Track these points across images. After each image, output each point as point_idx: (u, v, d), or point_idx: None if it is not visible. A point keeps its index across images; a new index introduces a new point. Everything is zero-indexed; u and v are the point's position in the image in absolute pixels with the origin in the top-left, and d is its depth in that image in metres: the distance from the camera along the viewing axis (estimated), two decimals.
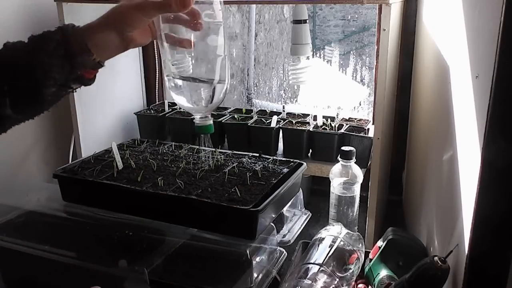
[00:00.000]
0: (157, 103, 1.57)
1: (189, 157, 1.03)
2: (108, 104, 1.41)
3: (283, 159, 1.00)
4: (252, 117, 1.32)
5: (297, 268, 0.84)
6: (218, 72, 0.71)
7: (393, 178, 1.38)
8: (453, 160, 0.70)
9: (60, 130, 1.44)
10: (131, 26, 0.65)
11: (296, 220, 1.00)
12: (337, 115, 1.28)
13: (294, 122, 1.27)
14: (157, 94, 1.60)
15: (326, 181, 1.10)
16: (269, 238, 0.88)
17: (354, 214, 1.06)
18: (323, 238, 0.89)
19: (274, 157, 1.01)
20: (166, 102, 1.49)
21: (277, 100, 1.86)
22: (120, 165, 0.97)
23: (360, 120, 1.29)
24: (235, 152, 1.05)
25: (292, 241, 0.93)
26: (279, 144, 1.28)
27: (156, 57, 1.57)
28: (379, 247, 0.88)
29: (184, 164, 0.97)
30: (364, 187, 1.08)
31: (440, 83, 0.86)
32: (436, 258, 0.65)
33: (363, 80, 1.67)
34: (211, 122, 0.77)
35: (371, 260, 0.89)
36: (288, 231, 0.96)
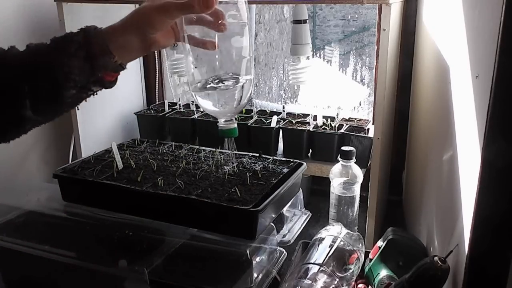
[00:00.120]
0: (157, 103, 1.57)
1: (189, 157, 1.03)
2: (108, 104, 1.41)
3: (283, 159, 1.00)
4: (252, 117, 1.32)
5: (297, 268, 0.84)
6: (244, 72, 0.70)
7: (393, 178, 1.38)
8: (453, 160, 0.70)
9: (60, 130, 1.44)
10: (153, 28, 0.64)
11: (296, 220, 1.00)
12: (337, 115, 1.28)
13: (294, 122, 1.27)
14: (157, 94, 1.60)
15: (326, 181, 1.10)
16: (269, 238, 0.88)
17: (354, 214, 1.06)
18: (323, 238, 0.89)
19: (274, 157, 1.01)
20: (166, 102, 1.49)
21: (277, 100, 1.86)
22: (120, 165, 0.97)
23: (360, 120, 1.29)
24: (235, 152, 1.05)
25: (292, 241, 0.93)
26: (279, 144, 1.28)
27: (156, 57, 1.57)
28: (379, 247, 0.88)
29: (184, 164, 0.97)
30: (364, 187, 1.08)
31: (440, 83, 0.86)
32: (436, 258, 0.65)
33: (363, 80, 1.66)
34: (235, 125, 0.75)
35: (371, 260, 0.89)
36: (288, 231, 0.96)
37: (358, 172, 1.04)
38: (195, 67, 0.69)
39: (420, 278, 0.67)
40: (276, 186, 0.87)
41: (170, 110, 1.44)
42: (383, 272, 0.84)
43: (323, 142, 1.21)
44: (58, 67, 0.61)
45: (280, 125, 1.26)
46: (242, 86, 0.70)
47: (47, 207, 0.98)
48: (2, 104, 0.62)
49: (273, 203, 0.84)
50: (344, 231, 0.91)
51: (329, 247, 0.86)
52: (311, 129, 1.22)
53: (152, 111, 1.45)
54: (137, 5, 1.48)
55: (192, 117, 1.36)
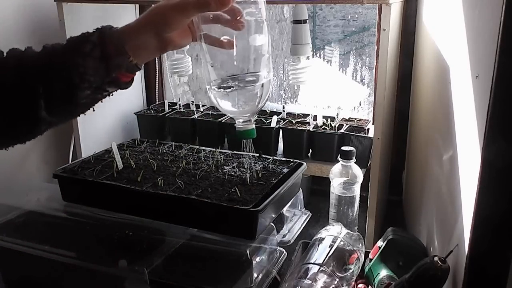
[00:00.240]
0: (157, 103, 1.57)
1: (189, 157, 1.03)
2: (108, 104, 1.39)
3: (283, 159, 1.00)
4: None
5: (297, 268, 0.84)
6: (263, 71, 0.68)
7: (393, 178, 1.38)
8: (453, 160, 0.70)
9: (60, 130, 1.44)
10: (169, 27, 0.63)
11: (296, 220, 1.00)
12: (337, 115, 1.28)
13: (294, 122, 1.27)
14: (157, 94, 1.60)
15: (326, 181, 1.10)
16: (269, 238, 0.88)
17: (354, 214, 1.06)
18: (323, 238, 0.89)
19: (274, 157, 1.01)
20: (166, 102, 1.49)
21: (277, 100, 1.85)
22: (120, 165, 0.97)
23: (360, 120, 1.29)
24: (235, 152, 1.05)
25: (292, 241, 0.93)
26: (279, 144, 1.28)
27: (156, 57, 1.57)
28: (379, 247, 0.88)
29: (184, 164, 0.97)
30: (364, 187, 1.08)
31: (440, 83, 0.86)
32: (436, 258, 0.65)
33: (363, 80, 1.66)
34: (253, 126, 0.72)
35: (371, 260, 0.89)
36: (288, 231, 0.96)
37: (358, 172, 1.04)
38: (212, 67, 0.67)
39: (420, 278, 0.67)
40: (276, 186, 0.87)
41: (170, 110, 1.44)
42: (383, 272, 0.84)
43: (323, 142, 1.21)
44: (73, 67, 0.60)
45: (280, 125, 1.26)
46: (262, 85, 0.68)
47: (47, 207, 0.98)
48: (18, 105, 0.62)
49: (273, 203, 0.84)
50: (344, 231, 0.91)
51: (329, 247, 0.86)
52: (311, 129, 1.22)
53: (152, 111, 1.45)
54: (137, 5, 1.49)
55: (192, 117, 1.36)
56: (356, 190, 1.05)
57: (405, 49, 1.27)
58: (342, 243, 0.88)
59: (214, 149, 1.07)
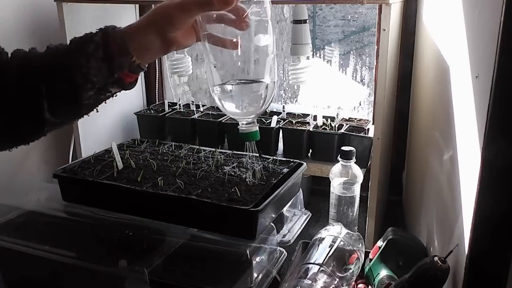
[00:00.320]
0: (157, 103, 1.57)
1: (189, 157, 1.03)
2: (108, 104, 1.40)
3: (283, 159, 1.00)
4: None
5: (297, 268, 0.84)
6: (268, 72, 0.67)
7: (393, 178, 1.38)
8: (453, 160, 0.70)
9: (60, 130, 1.43)
10: (173, 26, 0.62)
11: (296, 220, 1.00)
12: (337, 115, 1.28)
13: (294, 122, 1.27)
14: (157, 94, 1.60)
15: (326, 181, 1.10)
16: (269, 238, 0.88)
17: (354, 214, 1.06)
18: (323, 238, 0.89)
19: (274, 157, 1.01)
20: (166, 102, 1.49)
21: (277, 100, 1.86)
22: (120, 165, 0.97)
23: (360, 120, 1.29)
24: (235, 152, 1.05)
25: (292, 241, 0.93)
26: (279, 144, 1.28)
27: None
28: (379, 247, 0.88)
29: (184, 164, 0.97)
30: (364, 187, 1.08)
31: (440, 83, 0.86)
32: (436, 258, 0.65)
33: (363, 80, 1.66)
34: (257, 128, 0.71)
35: (371, 260, 0.89)
36: (288, 231, 0.96)
37: (358, 172, 1.04)
38: (215, 67, 0.66)
39: (420, 278, 0.67)
40: (276, 186, 0.87)
41: (170, 110, 1.44)
42: (383, 272, 0.84)
43: (323, 142, 1.21)
44: (75, 67, 0.60)
45: (280, 125, 1.26)
46: (266, 86, 0.67)
47: (47, 207, 0.98)
48: (21, 105, 0.61)
49: (273, 203, 0.84)
50: (344, 231, 0.91)
51: (329, 247, 0.86)
52: (311, 129, 1.22)
53: (152, 111, 1.45)
54: (137, 5, 1.49)
55: (192, 117, 1.36)
56: (356, 190, 1.05)
57: (405, 49, 1.27)
58: (342, 243, 0.88)
59: (214, 149, 1.07)
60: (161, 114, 1.41)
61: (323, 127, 1.23)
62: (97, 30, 0.63)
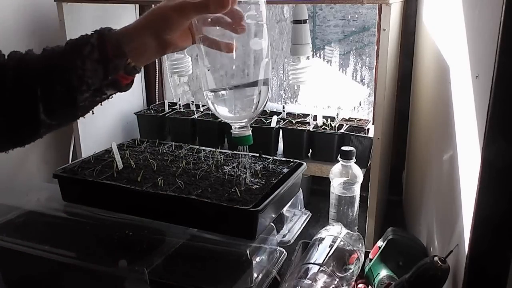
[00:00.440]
0: (157, 103, 1.57)
1: (189, 157, 1.03)
2: (108, 104, 1.40)
3: (283, 159, 1.00)
4: None
5: (297, 268, 0.84)
6: (262, 76, 0.66)
7: (393, 178, 1.38)
8: (453, 160, 0.70)
9: (60, 130, 1.42)
10: (169, 28, 0.62)
11: (296, 220, 1.00)
12: (337, 115, 1.28)
13: (294, 122, 1.27)
14: (157, 94, 1.60)
15: (326, 181, 1.10)
16: (269, 238, 0.88)
17: (354, 214, 1.06)
18: (323, 238, 0.89)
19: (274, 157, 1.01)
20: (166, 102, 1.49)
21: (277, 100, 1.86)
22: (120, 165, 0.97)
23: (360, 120, 1.29)
24: (235, 152, 1.05)
25: (292, 241, 0.93)
26: (279, 144, 1.28)
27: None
28: (379, 247, 0.88)
29: (184, 164, 0.97)
30: (364, 187, 1.08)
31: (440, 83, 0.86)
32: (436, 258, 0.65)
33: (363, 80, 1.66)
34: (249, 132, 0.70)
35: (371, 260, 0.89)
36: (288, 231, 0.96)
37: (358, 172, 1.04)
38: (208, 70, 0.66)
39: (420, 278, 0.67)
40: (276, 186, 0.87)
41: (170, 110, 1.44)
42: (383, 272, 0.84)
43: (323, 142, 1.21)
44: (71, 69, 0.60)
45: (280, 125, 1.26)
46: (260, 91, 0.67)
47: (47, 207, 0.98)
48: (17, 107, 0.61)
49: (273, 203, 0.84)
50: (344, 231, 0.91)
51: (329, 247, 0.86)
52: (311, 129, 1.22)
53: (152, 111, 1.45)
54: (137, 5, 1.49)
55: (192, 117, 1.36)
56: (356, 190, 1.05)
57: (405, 49, 1.27)
58: (342, 243, 0.88)
59: (214, 149, 1.07)
60: (161, 114, 1.41)
61: (323, 127, 1.23)
62: (93, 32, 0.63)
